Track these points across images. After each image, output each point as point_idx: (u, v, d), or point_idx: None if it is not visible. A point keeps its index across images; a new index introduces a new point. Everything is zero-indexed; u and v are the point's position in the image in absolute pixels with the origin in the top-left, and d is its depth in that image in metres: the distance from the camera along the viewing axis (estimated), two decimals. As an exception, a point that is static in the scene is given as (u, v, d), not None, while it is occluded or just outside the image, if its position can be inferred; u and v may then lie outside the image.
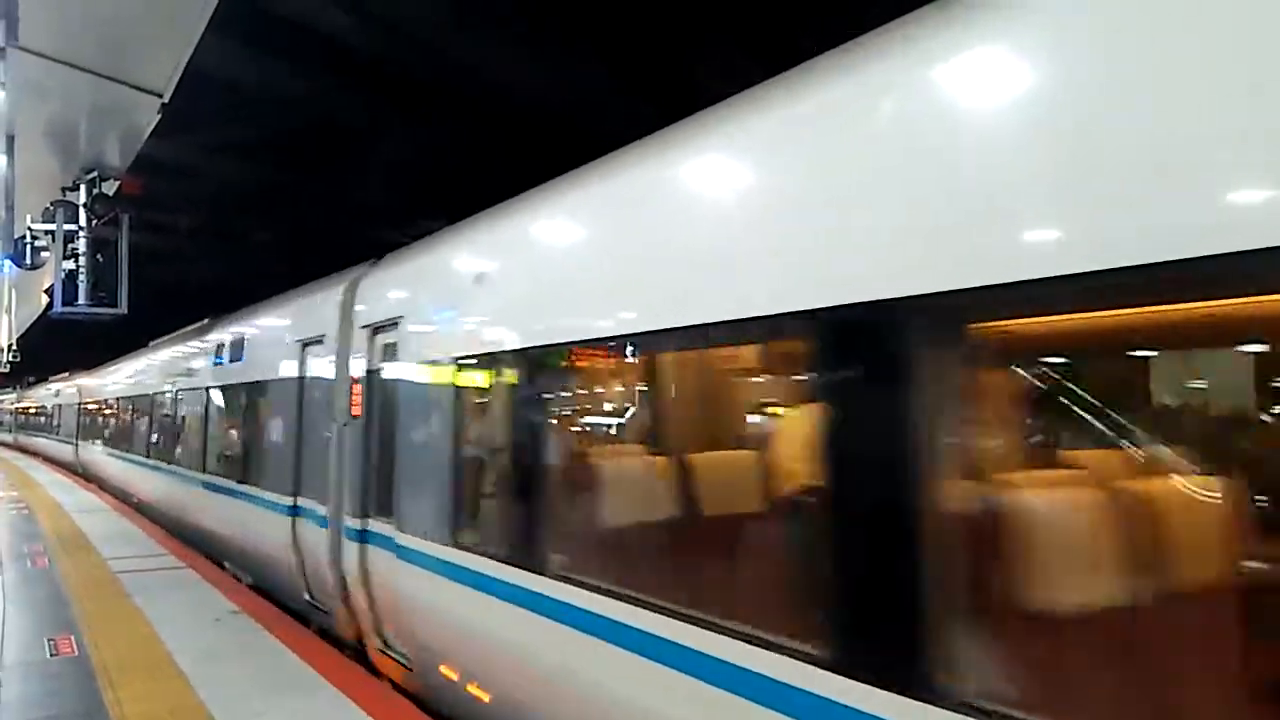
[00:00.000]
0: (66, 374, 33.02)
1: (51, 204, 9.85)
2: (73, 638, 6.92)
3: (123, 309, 10.11)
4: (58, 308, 10.11)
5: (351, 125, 11.96)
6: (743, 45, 8.51)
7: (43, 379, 40.86)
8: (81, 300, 9.89)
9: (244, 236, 18.48)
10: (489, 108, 11.06)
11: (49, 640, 6.84)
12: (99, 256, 9.92)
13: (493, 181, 6.22)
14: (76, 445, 26.18)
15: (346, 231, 15.69)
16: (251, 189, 15.10)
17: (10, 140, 8.74)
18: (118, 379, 21.01)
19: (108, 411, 21.70)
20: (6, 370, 27.86)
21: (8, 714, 5.29)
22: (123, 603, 8.19)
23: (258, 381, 10.12)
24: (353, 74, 10.22)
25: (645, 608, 3.82)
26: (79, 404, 26.95)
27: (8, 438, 48.48)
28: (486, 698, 5.13)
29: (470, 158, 12.30)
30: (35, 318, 23.06)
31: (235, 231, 18.41)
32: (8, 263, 9.87)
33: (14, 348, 25.66)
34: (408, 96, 10.89)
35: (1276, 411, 3.30)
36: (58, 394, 33.03)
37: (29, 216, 9.81)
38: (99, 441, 22.05)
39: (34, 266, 10.05)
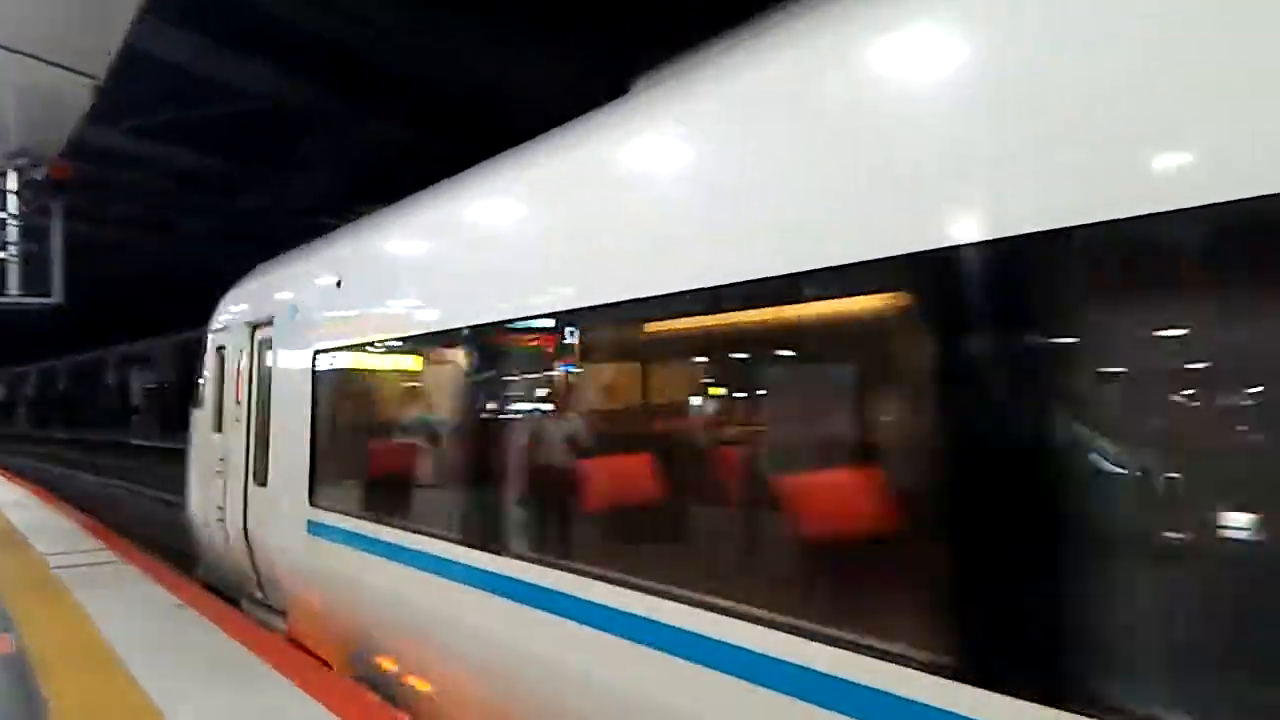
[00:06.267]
0: None
1: (-24, 190, 9.56)
2: (9, 635, 6.76)
3: (58, 299, 9.84)
4: (-14, 297, 9.82)
5: (292, 110, 11.78)
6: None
7: None
8: (13, 290, 9.61)
9: (172, 227, 18.15)
10: (430, 96, 11.02)
11: (-17, 639, 6.67)
12: (35, 245, 9.65)
13: (428, 169, 6.29)
14: None
15: (283, 219, 15.40)
16: (185, 175, 14.78)
17: (-67, 124, 8.47)
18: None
19: None
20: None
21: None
22: (63, 599, 8.01)
23: None
24: (296, 57, 10.07)
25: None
26: None
27: None
28: None
29: (408, 146, 12.22)
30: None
31: (166, 221, 18.04)
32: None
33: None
34: (352, 82, 10.78)
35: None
36: None
37: (-47, 204, 9.50)
38: None
39: (-42, 254, 9.73)
